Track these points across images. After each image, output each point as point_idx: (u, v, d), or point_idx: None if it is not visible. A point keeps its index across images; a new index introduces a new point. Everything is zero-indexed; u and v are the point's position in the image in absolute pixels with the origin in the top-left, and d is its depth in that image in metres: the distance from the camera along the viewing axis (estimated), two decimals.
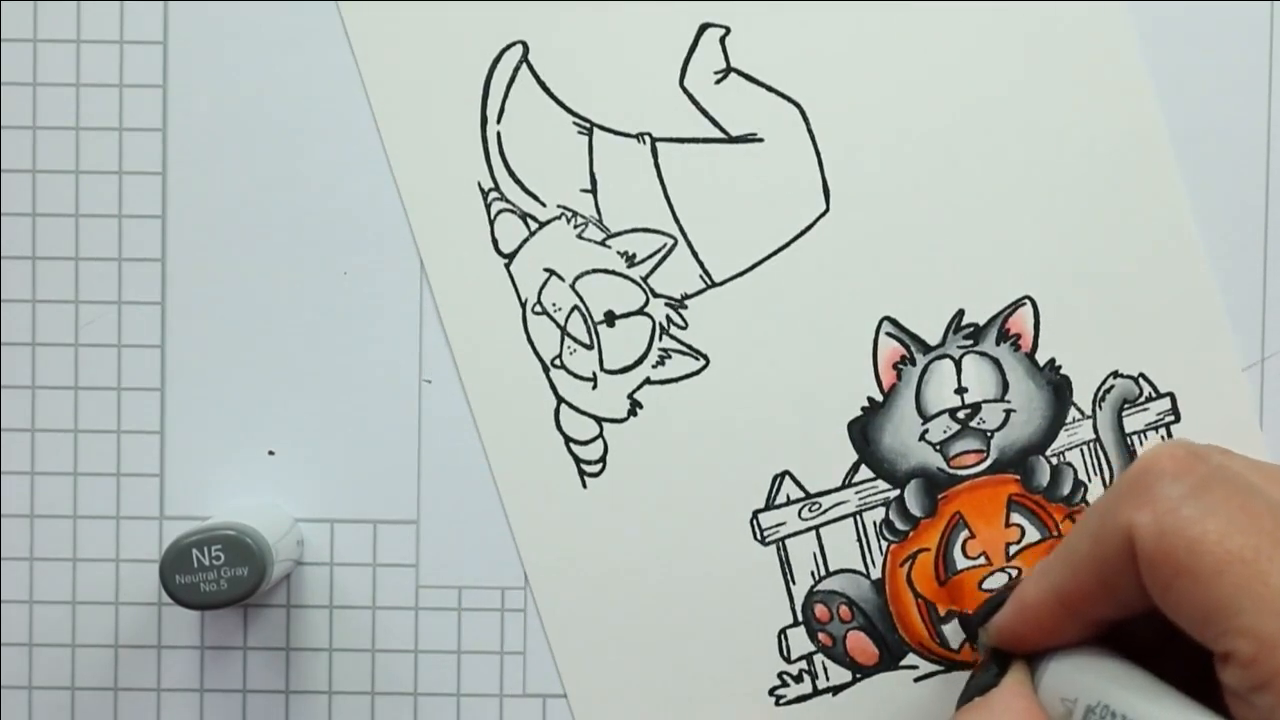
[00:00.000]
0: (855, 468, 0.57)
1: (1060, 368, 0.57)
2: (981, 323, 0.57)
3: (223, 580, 0.51)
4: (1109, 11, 0.57)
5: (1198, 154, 0.57)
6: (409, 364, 0.58)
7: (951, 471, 0.57)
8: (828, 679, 0.58)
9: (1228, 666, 0.39)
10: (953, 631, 0.57)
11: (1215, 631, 0.39)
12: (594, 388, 0.57)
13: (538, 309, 0.57)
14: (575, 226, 0.57)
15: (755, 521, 0.57)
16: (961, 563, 0.57)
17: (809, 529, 0.57)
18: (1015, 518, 0.57)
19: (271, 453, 0.58)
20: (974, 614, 0.50)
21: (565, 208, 0.57)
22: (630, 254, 0.57)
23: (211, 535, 0.52)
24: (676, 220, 0.57)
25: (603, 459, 0.57)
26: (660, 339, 0.57)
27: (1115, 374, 0.57)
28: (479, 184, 0.57)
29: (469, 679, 0.58)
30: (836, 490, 0.57)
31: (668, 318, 0.57)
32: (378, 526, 0.58)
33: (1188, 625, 0.40)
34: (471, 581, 0.58)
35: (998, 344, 0.57)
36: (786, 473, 0.57)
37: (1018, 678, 0.46)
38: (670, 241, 0.57)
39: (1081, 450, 0.57)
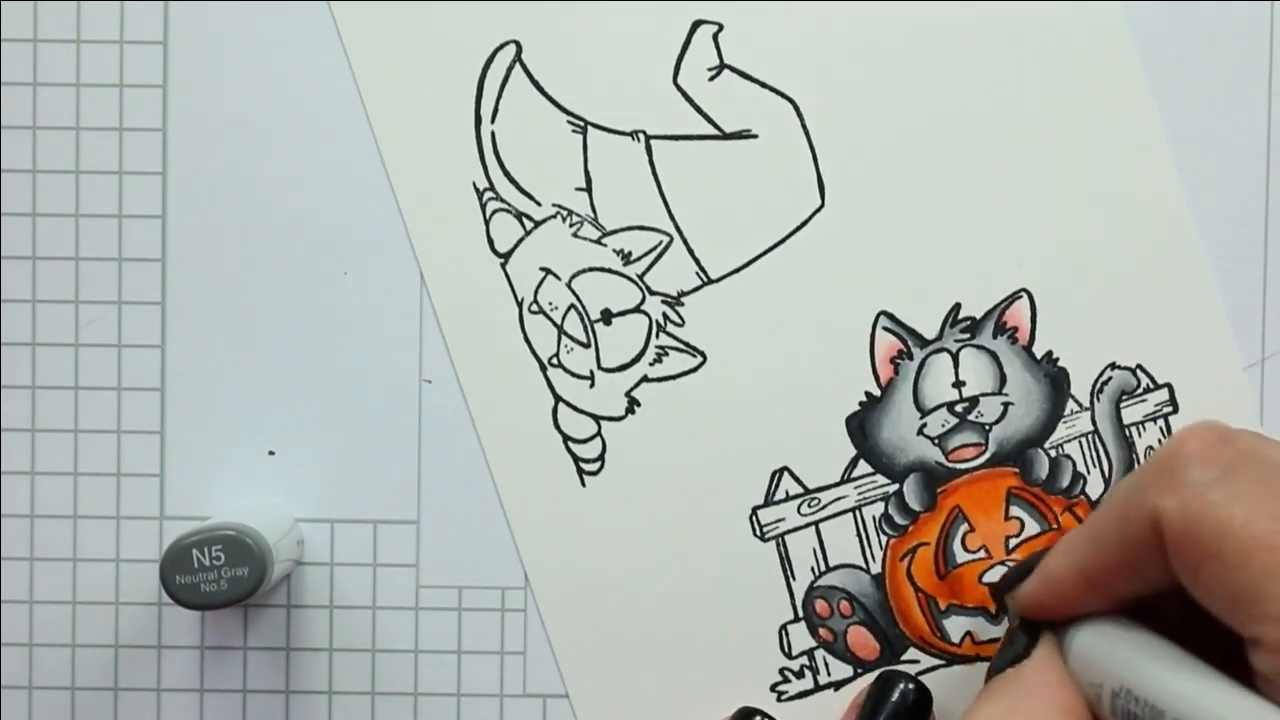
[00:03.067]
0: (854, 463, 0.57)
1: (1058, 360, 0.57)
2: (978, 316, 0.57)
3: (223, 580, 0.51)
4: (1105, 6, 0.57)
5: (1198, 153, 0.57)
6: (409, 364, 0.58)
7: (950, 465, 0.57)
8: (829, 674, 0.58)
9: (1257, 651, 0.39)
10: (953, 625, 0.57)
11: (1244, 617, 0.39)
12: (591, 386, 0.57)
13: (534, 308, 0.57)
14: (571, 225, 0.57)
15: (754, 518, 0.57)
16: (961, 556, 0.57)
17: (808, 524, 0.57)
18: (1015, 510, 0.57)
19: (271, 453, 0.58)
20: (1001, 580, 0.50)
21: (560, 206, 0.57)
22: (626, 252, 0.57)
23: (211, 535, 0.52)
24: (672, 218, 0.57)
25: (601, 457, 0.57)
26: (657, 336, 0.57)
27: (1113, 365, 0.57)
28: (474, 184, 0.57)
29: (469, 679, 0.58)
30: (835, 485, 0.57)
31: (664, 315, 0.57)
32: (378, 526, 0.58)
33: (1216, 610, 0.40)
34: (471, 581, 0.58)
35: (995, 337, 0.57)
36: (785, 469, 0.57)
37: (1048, 649, 0.46)
38: (666, 239, 0.57)
39: (1080, 442, 0.57)
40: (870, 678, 0.57)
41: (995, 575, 0.57)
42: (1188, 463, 0.41)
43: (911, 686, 0.55)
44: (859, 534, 0.57)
